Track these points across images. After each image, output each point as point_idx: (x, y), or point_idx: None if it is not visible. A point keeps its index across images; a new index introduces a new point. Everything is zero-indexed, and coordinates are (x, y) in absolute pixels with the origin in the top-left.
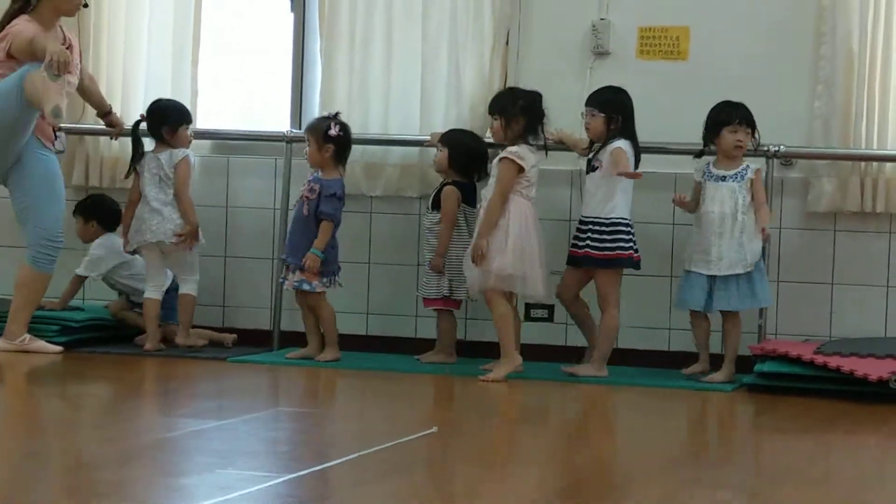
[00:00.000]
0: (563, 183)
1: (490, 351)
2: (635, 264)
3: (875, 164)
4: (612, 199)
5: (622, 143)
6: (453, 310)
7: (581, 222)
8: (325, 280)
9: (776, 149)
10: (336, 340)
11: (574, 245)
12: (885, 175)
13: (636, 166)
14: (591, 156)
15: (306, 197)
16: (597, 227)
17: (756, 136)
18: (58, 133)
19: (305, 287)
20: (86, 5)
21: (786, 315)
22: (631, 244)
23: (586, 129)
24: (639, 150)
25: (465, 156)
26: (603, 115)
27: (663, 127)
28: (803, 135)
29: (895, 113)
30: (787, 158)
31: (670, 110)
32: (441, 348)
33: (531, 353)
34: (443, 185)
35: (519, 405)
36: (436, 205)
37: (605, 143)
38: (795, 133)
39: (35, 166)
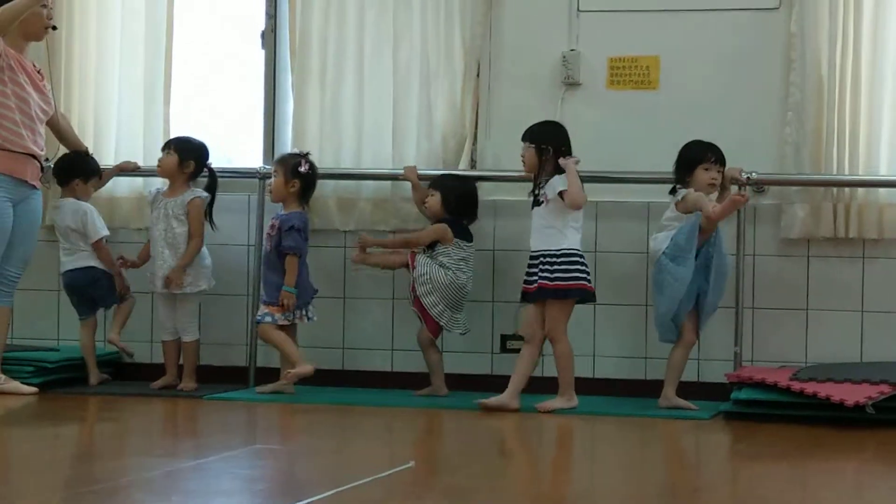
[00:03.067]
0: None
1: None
2: (590, 296)
3: (847, 189)
4: (562, 232)
5: (560, 177)
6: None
7: (531, 257)
8: (287, 314)
9: (748, 176)
10: (297, 356)
11: (526, 282)
12: (858, 200)
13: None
14: (536, 191)
15: (269, 234)
16: (548, 260)
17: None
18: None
19: (268, 319)
20: (54, 28)
21: (761, 342)
22: (585, 275)
23: (522, 162)
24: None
25: (458, 200)
26: (533, 146)
27: (635, 156)
28: (775, 161)
29: (866, 138)
30: (760, 185)
31: (642, 139)
32: (441, 380)
33: (506, 384)
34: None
35: (495, 438)
36: (431, 244)
37: (544, 177)
38: (767, 160)
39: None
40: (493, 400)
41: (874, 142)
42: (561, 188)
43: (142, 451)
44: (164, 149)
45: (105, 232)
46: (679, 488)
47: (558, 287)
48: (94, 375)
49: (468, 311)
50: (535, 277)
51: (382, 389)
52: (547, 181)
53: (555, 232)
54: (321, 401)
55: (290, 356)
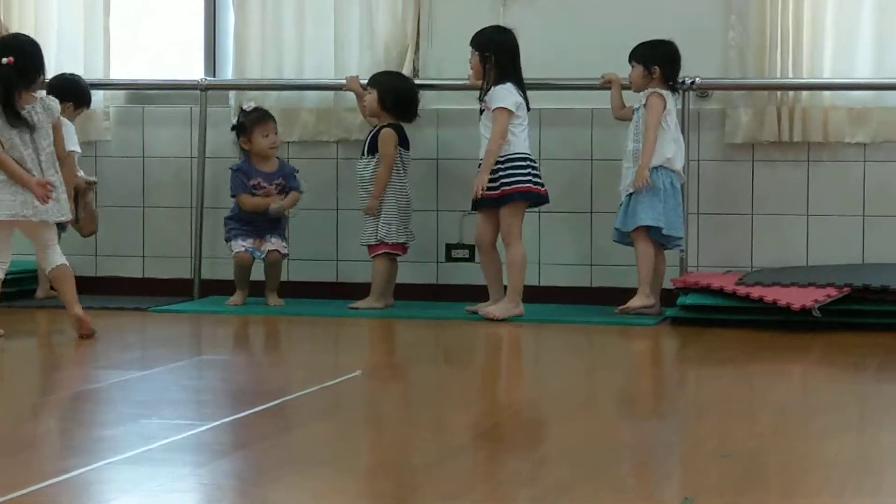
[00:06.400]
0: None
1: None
2: (540, 198)
3: (791, 93)
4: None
5: (502, 88)
6: (398, 254)
7: (479, 165)
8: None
9: (691, 81)
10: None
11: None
12: (802, 104)
13: (528, 108)
14: (480, 100)
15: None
16: (495, 167)
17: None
18: None
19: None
20: None
21: (707, 247)
22: (529, 178)
23: (471, 68)
24: (524, 91)
25: (395, 97)
26: (477, 52)
27: (577, 62)
28: (718, 66)
29: (809, 41)
30: (703, 90)
31: (585, 45)
32: (374, 293)
33: (451, 293)
34: (379, 127)
35: (441, 347)
36: (371, 149)
37: (487, 83)
38: (710, 64)
39: None
40: (494, 309)
41: (818, 45)
42: (497, 104)
43: (89, 363)
44: None
45: (77, 148)
46: (626, 394)
47: (503, 193)
48: (44, 290)
49: (412, 221)
50: (496, 184)
51: (329, 300)
52: (487, 91)
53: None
54: (266, 312)
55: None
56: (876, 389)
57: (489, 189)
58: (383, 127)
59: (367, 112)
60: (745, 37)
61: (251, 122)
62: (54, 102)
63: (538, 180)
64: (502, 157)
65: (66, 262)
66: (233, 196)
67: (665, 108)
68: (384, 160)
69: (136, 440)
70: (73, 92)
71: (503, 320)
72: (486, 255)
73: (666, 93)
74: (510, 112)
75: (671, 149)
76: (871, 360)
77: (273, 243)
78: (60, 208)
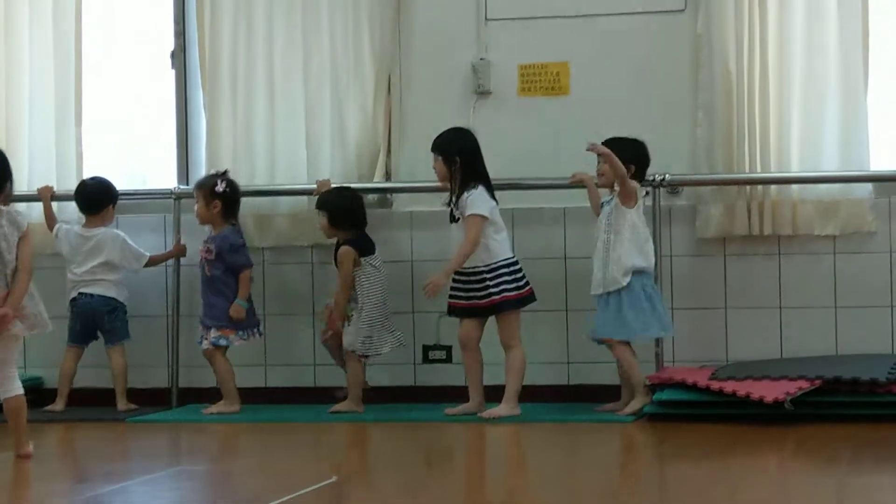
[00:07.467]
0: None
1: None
2: (523, 301)
3: (760, 187)
4: (485, 246)
5: (476, 194)
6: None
7: (456, 272)
8: (241, 333)
9: (662, 178)
10: (234, 393)
11: (455, 297)
12: (771, 197)
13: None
14: (451, 204)
15: (204, 258)
16: (476, 277)
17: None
18: None
19: (223, 343)
20: None
21: (682, 342)
22: (515, 284)
23: (435, 172)
24: (492, 189)
25: (345, 215)
26: (440, 157)
27: (549, 162)
28: (688, 162)
29: (776, 135)
30: (674, 186)
31: (555, 145)
32: (352, 396)
33: (429, 395)
34: (337, 244)
35: (420, 450)
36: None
37: (456, 185)
38: (679, 161)
39: None
40: (496, 410)
41: (784, 139)
42: (470, 211)
43: (65, 476)
44: None
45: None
46: (606, 494)
47: (492, 303)
48: (61, 402)
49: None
50: (469, 294)
51: (307, 405)
52: (459, 196)
53: (480, 247)
54: (245, 420)
55: (229, 391)
56: (850, 482)
57: (477, 297)
58: (342, 244)
59: (324, 234)
60: (713, 133)
61: None
62: (21, 216)
63: (523, 283)
64: (487, 265)
65: (23, 392)
66: None
67: (637, 199)
68: (341, 279)
69: None
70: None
71: (495, 420)
72: (470, 354)
73: (635, 183)
74: (485, 218)
75: (641, 255)
76: (843, 452)
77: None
78: (34, 322)
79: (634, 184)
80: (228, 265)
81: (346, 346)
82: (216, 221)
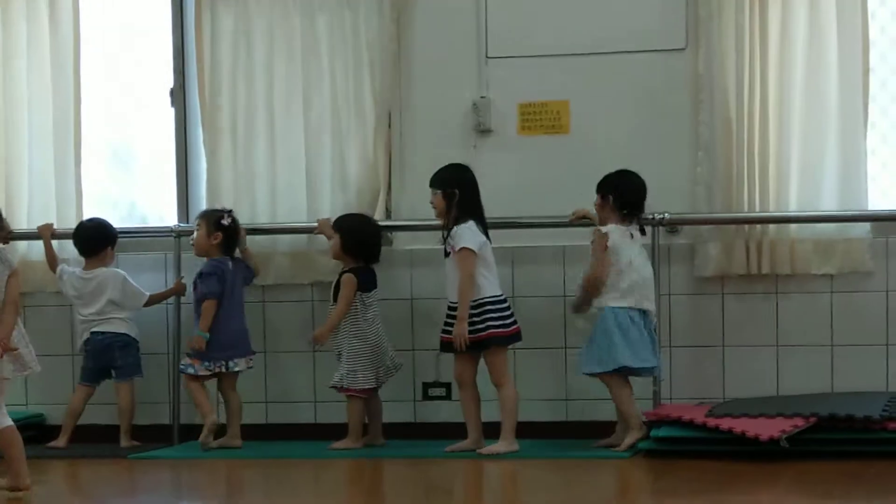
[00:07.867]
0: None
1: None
2: (509, 339)
3: (759, 226)
4: (475, 282)
5: (465, 228)
6: (364, 396)
7: (450, 307)
8: (207, 364)
9: (661, 216)
10: (212, 418)
11: (446, 332)
12: (769, 237)
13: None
14: (444, 240)
15: (194, 287)
16: (476, 311)
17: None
18: None
19: (190, 371)
20: None
21: (679, 379)
22: (501, 321)
23: (433, 208)
24: (486, 227)
25: (358, 240)
26: (440, 191)
27: (549, 201)
28: (687, 201)
29: (775, 175)
30: (672, 225)
31: (555, 183)
32: (351, 433)
33: (429, 431)
34: (341, 273)
35: (421, 486)
36: (336, 295)
37: (451, 221)
38: (679, 200)
39: None
40: (495, 447)
41: (784, 178)
42: (461, 245)
43: None
44: None
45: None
46: None
47: (479, 339)
48: (64, 439)
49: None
50: (471, 329)
51: (308, 441)
52: (450, 230)
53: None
54: (247, 456)
55: (204, 415)
56: None
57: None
58: (345, 272)
59: (332, 255)
60: (713, 172)
61: None
62: (11, 255)
63: (510, 320)
64: (474, 301)
65: (13, 424)
66: None
67: (608, 244)
68: (341, 301)
69: None
70: (107, 234)
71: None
72: (467, 392)
73: (611, 227)
74: (473, 252)
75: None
76: (837, 489)
77: None
78: (24, 364)
79: (602, 230)
80: (199, 294)
81: (333, 382)
82: (212, 252)
